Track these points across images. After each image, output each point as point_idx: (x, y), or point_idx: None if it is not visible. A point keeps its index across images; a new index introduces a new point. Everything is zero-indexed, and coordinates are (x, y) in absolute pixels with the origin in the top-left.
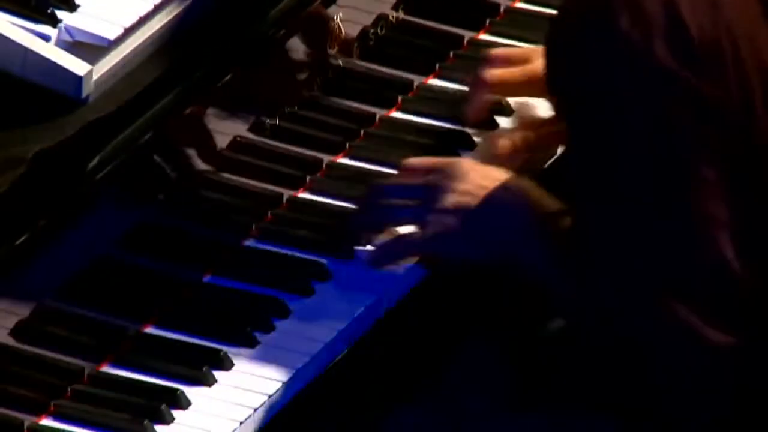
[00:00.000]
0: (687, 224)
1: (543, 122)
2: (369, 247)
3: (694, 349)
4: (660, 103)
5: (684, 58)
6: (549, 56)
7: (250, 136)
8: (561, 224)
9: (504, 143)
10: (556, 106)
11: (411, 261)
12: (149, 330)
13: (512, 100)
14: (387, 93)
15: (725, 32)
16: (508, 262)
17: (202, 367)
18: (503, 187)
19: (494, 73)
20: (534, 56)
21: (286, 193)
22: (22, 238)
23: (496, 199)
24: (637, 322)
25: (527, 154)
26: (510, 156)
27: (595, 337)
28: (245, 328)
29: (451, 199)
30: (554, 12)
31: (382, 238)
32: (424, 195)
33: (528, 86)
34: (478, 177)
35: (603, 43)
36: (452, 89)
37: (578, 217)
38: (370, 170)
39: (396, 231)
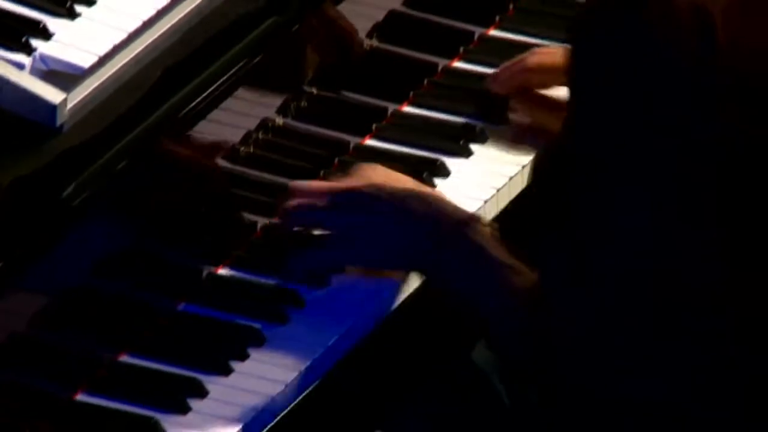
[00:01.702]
0: (672, 250)
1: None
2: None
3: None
4: (668, 120)
5: (705, 76)
6: (572, 42)
7: (224, 163)
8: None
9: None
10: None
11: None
12: (124, 358)
13: None
14: (361, 121)
15: (760, 52)
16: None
17: (176, 396)
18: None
19: (536, 56)
20: None
21: (260, 220)
22: None
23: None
24: (597, 345)
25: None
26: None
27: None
28: (220, 356)
29: (366, 204)
30: (528, 39)
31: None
32: (332, 197)
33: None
34: (390, 183)
35: (625, 44)
36: (426, 116)
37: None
38: None
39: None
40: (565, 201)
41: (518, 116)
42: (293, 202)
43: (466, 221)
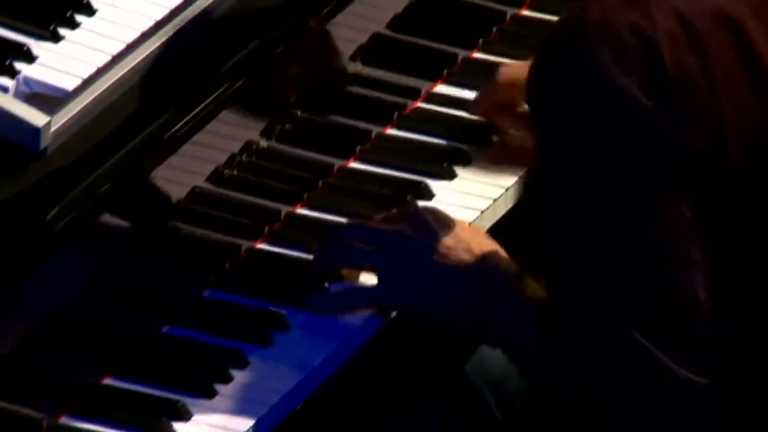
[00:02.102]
0: (659, 262)
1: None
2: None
3: (663, 388)
4: (632, 140)
5: (658, 97)
6: (530, 79)
7: (209, 186)
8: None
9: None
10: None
11: (367, 311)
12: (108, 381)
13: None
14: (345, 143)
15: (703, 74)
16: (468, 318)
17: (160, 419)
18: (468, 249)
19: (505, 71)
20: None
21: (245, 243)
22: None
23: (465, 263)
24: (607, 363)
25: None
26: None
27: (565, 389)
28: (203, 378)
29: (410, 248)
30: (511, 62)
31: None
32: (385, 241)
33: None
34: (441, 230)
35: (578, 75)
36: (410, 139)
37: (549, 250)
38: (327, 221)
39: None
40: (550, 232)
41: (501, 138)
42: (342, 237)
43: (517, 275)
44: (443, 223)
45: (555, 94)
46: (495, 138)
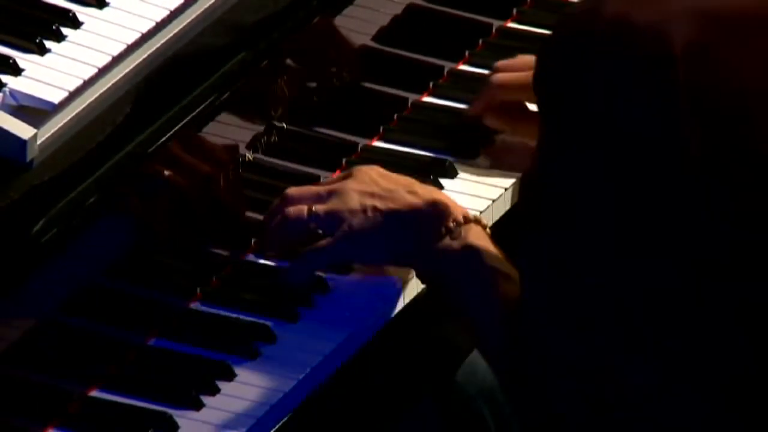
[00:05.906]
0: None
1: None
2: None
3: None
4: (620, 147)
5: (659, 109)
6: (537, 64)
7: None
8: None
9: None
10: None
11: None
12: (94, 393)
13: None
14: (331, 155)
15: (718, 82)
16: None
17: (148, 430)
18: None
19: (503, 76)
20: None
21: (231, 255)
22: None
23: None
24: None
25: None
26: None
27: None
28: (190, 390)
29: (359, 200)
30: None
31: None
32: (330, 197)
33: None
34: (384, 181)
35: (579, 71)
36: (396, 151)
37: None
38: None
39: None
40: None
41: (501, 137)
42: (290, 206)
43: (464, 220)
44: (381, 172)
45: (555, 87)
46: (495, 139)
